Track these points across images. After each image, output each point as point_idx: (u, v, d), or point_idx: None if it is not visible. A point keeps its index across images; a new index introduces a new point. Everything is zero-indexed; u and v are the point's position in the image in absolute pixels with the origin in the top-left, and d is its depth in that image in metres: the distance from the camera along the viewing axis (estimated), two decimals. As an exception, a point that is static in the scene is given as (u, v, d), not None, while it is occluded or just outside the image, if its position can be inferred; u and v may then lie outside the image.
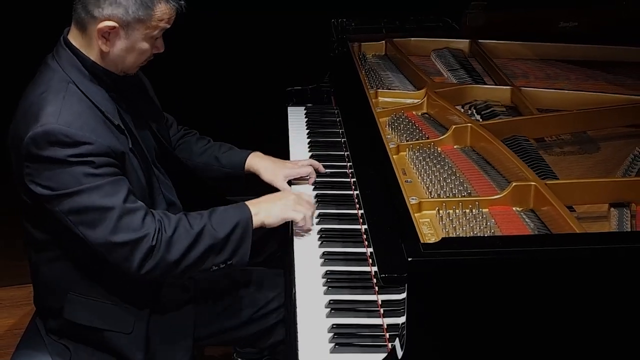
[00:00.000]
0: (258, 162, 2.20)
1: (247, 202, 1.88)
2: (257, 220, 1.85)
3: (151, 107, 2.09)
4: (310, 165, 2.20)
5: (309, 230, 1.93)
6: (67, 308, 1.87)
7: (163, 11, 1.79)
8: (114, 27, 1.76)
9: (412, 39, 2.77)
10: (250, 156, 2.22)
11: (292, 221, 1.93)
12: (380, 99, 2.38)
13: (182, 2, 1.84)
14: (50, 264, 1.87)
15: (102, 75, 1.83)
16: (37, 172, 1.72)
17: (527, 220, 1.69)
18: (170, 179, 2.05)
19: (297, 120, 2.60)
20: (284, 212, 1.89)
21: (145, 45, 1.82)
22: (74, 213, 1.72)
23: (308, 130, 2.52)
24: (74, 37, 1.83)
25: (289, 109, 2.71)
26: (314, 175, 2.19)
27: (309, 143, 2.43)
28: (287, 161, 2.26)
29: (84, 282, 1.86)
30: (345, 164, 2.26)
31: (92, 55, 1.82)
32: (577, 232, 1.54)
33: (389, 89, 2.44)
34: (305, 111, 2.69)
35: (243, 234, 1.82)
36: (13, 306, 2.95)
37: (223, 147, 2.25)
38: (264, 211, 1.87)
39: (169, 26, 1.83)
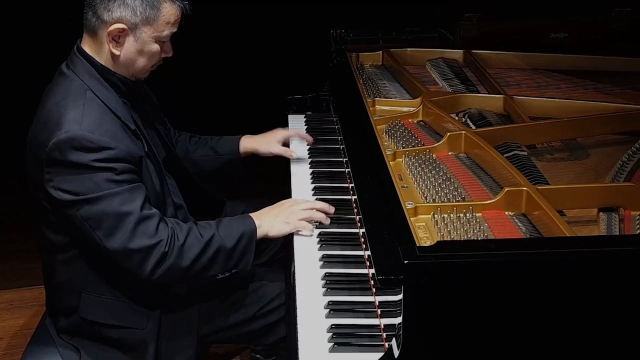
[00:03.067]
0: (251, 140, 2.35)
1: (251, 214, 1.97)
2: (260, 232, 1.94)
3: (157, 113, 2.14)
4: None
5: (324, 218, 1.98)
6: (82, 307, 1.91)
7: (169, 11, 1.84)
8: (123, 30, 1.81)
9: (408, 49, 2.79)
10: (242, 138, 2.35)
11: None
12: (378, 107, 2.40)
13: (186, 3, 1.87)
14: (66, 265, 1.90)
15: (115, 80, 1.87)
16: (59, 177, 1.74)
17: (519, 224, 1.71)
18: (176, 183, 2.08)
19: (297, 128, 2.61)
20: (285, 226, 1.96)
21: (155, 47, 1.86)
22: (93, 219, 1.75)
23: (307, 137, 2.55)
24: (86, 45, 1.87)
25: (290, 116, 2.74)
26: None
27: (308, 150, 2.44)
28: (275, 130, 2.39)
29: (99, 281, 1.90)
30: (343, 169, 2.27)
31: (103, 60, 1.86)
32: (568, 235, 1.56)
33: (386, 98, 2.46)
34: (305, 119, 2.71)
35: (248, 244, 1.90)
36: (23, 307, 2.96)
37: (215, 138, 2.36)
38: (266, 224, 1.95)
39: (175, 30, 1.87)
